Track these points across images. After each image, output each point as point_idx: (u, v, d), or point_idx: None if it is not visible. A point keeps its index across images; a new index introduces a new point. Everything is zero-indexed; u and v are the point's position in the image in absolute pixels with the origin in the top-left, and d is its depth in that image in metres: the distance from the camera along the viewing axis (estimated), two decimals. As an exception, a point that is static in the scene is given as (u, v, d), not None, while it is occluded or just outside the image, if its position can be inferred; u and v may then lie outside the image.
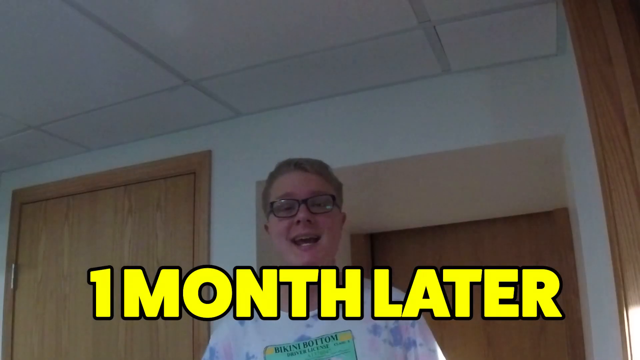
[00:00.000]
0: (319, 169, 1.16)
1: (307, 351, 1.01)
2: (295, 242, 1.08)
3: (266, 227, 1.19)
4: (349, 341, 1.01)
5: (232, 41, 1.64)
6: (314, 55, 1.73)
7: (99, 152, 2.43)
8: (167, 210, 2.23)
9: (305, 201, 1.08)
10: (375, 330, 1.04)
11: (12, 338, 2.38)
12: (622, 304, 1.05)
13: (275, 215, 1.11)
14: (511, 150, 1.86)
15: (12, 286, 2.45)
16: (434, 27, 1.59)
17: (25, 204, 2.55)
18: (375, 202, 2.41)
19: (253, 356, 1.05)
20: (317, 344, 1.02)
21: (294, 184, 1.11)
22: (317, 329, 1.04)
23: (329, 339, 1.02)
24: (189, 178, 2.22)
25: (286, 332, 1.04)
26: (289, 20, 1.54)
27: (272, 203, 1.12)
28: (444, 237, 2.79)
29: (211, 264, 2.08)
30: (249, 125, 2.16)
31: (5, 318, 2.42)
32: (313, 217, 1.08)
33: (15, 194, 2.59)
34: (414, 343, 1.04)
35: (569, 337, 2.38)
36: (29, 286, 2.43)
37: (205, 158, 2.20)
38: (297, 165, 1.14)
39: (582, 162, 1.57)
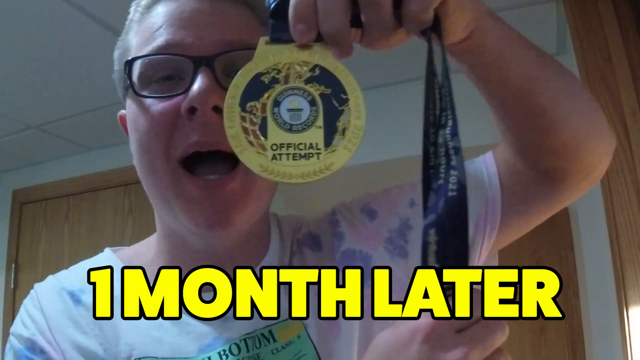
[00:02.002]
0: None
1: None
2: (187, 166, 0.48)
3: (122, 122, 0.59)
4: (299, 337, 0.49)
5: (232, 41, 1.64)
6: (314, 55, 1.73)
7: (99, 152, 2.43)
8: (167, 210, 2.23)
9: (209, 62, 0.46)
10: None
11: (12, 338, 2.39)
12: (622, 304, 1.05)
13: (136, 92, 0.49)
14: (511, 150, 1.86)
15: (12, 286, 2.45)
16: (434, 26, 1.59)
17: (25, 204, 2.55)
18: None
19: None
20: (242, 352, 0.49)
21: (185, 20, 0.49)
22: (237, 329, 0.50)
23: (260, 340, 0.49)
24: (189, 178, 2.22)
25: (185, 338, 0.50)
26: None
27: (130, 63, 0.51)
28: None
29: (211, 263, 2.07)
30: (249, 125, 2.16)
31: (5, 318, 2.42)
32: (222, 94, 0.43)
33: (15, 194, 2.59)
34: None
35: (569, 337, 2.38)
36: (29, 286, 2.40)
37: (205, 158, 2.20)
38: None
39: (582, 162, 1.57)
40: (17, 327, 0.55)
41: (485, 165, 0.58)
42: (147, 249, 0.58)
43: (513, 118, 0.52)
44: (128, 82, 0.50)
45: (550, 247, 2.59)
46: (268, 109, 0.36)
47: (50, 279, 0.57)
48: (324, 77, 0.37)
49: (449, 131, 0.38)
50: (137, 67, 0.49)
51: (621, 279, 1.05)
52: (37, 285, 0.57)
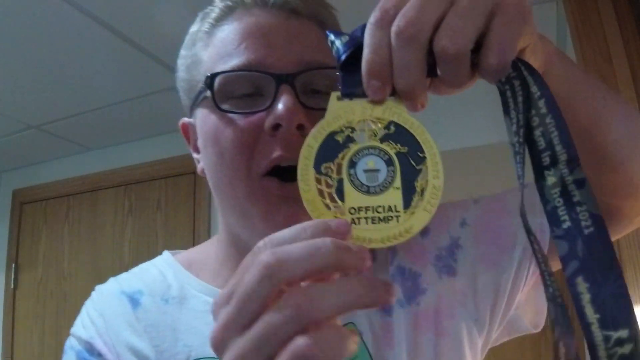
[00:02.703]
0: (319, 10, 0.54)
1: None
2: (270, 174, 0.47)
3: (185, 130, 0.61)
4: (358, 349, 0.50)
5: (232, 41, 1.64)
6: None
7: (99, 152, 2.43)
8: (167, 211, 2.23)
9: (291, 79, 0.47)
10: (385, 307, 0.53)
11: (12, 338, 2.38)
12: (623, 304, 1.05)
13: (218, 107, 0.49)
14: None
15: (12, 286, 2.45)
16: (434, 26, 1.59)
17: (25, 204, 2.55)
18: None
19: None
20: None
21: (264, 38, 0.49)
22: None
23: None
24: (189, 178, 2.22)
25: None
26: (289, 20, 1.55)
27: (212, 78, 0.49)
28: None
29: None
30: (249, 125, 2.16)
31: (5, 318, 2.42)
32: (308, 118, 0.46)
33: (15, 193, 2.59)
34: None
35: (569, 336, 2.38)
36: (29, 286, 2.43)
37: (205, 158, 2.20)
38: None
39: (582, 162, 1.57)
40: (77, 328, 0.55)
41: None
42: (204, 256, 0.59)
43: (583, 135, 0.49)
44: (205, 94, 0.50)
45: (550, 247, 2.60)
46: (344, 170, 0.33)
47: (111, 281, 0.58)
48: (399, 134, 0.35)
49: (565, 166, 0.34)
50: (216, 82, 0.48)
51: (621, 279, 1.05)
52: (98, 287, 0.58)
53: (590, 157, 0.48)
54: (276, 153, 0.46)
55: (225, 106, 0.48)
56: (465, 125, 1.83)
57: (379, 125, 0.35)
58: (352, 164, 0.34)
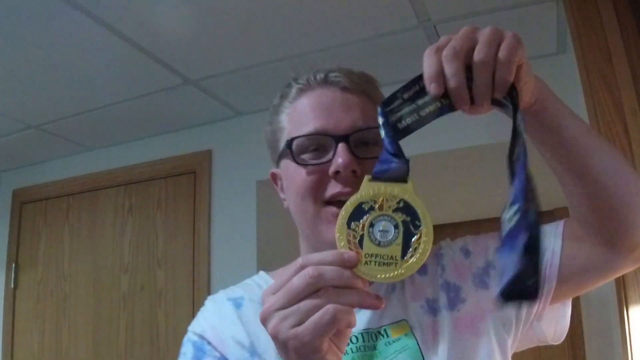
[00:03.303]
0: (366, 86, 0.74)
1: (348, 353, 0.66)
2: (331, 203, 0.68)
3: (274, 177, 0.79)
4: (406, 335, 0.67)
5: (232, 41, 1.64)
6: (314, 54, 1.73)
7: (99, 152, 2.43)
8: (167, 210, 2.23)
9: (346, 139, 0.67)
10: (430, 307, 0.70)
11: (12, 338, 2.38)
12: (623, 304, 1.05)
13: (295, 160, 0.69)
14: (511, 150, 1.86)
15: (12, 286, 2.45)
16: (434, 26, 1.59)
17: (25, 204, 2.55)
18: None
19: (259, 356, 0.69)
20: (359, 341, 0.67)
21: (326, 110, 0.69)
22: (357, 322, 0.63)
23: (376, 335, 0.68)
24: (189, 178, 2.22)
25: None
26: (289, 20, 1.54)
27: (291, 141, 0.70)
28: (444, 237, 2.78)
29: (211, 263, 2.08)
30: (249, 125, 2.16)
31: (5, 318, 2.42)
32: (359, 164, 0.66)
33: (15, 193, 2.59)
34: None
35: (569, 337, 2.38)
36: (29, 286, 2.43)
37: (205, 158, 2.20)
38: (327, 79, 0.72)
39: (582, 162, 1.57)
40: (193, 326, 0.75)
41: (555, 227, 0.72)
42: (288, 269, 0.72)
43: (570, 177, 0.65)
44: (288, 151, 0.70)
45: (550, 247, 2.60)
46: (365, 228, 0.50)
47: (220, 292, 0.78)
48: (406, 208, 0.51)
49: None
50: (294, 143, 0.70)
51: (621, 279, 1.05)
52: (210, 297, 0.79)
53: (582, 176, 0.63)
54: (337, 189, 0.67)
55: (300, 158, 0.69)
56: (465, 124, 1.83)
57: (393, 201, 0.51)
58: (372, 225, 0.50)
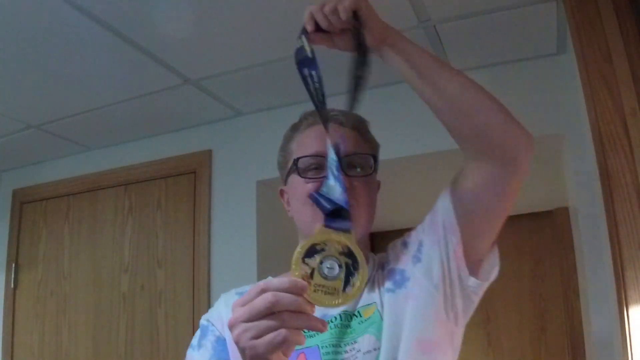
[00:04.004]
0: (357, 123, 0.96)
1: (329, 327, 0.84)
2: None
3: (282, 193, 0.99)
4: (374, 313, 0.86)
5: (232, 41, 1.64)
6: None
7: (99, 151, 2.43)
8: (167, 210, 2.23)
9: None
10: (389, 289, 0.88)
11: (12, 338, 2.38)
12: (623, 304, 1.04)
13: (300, 175, 0.90)
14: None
15: (12, 286, 2.45)
16: (434, 26, 1.59)
17: (25, 204, 2.55)
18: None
19: None
20: (338, 320, 0.86)
21: (325, 138, 0.82)
22: (339, 309, 0.88)
23: (352, 316, 0.86)
24: (189, 178, 2.22)
25: None
26: (289, 20, 1.54)
27: (297, 160, 0.91)
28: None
29: (211, 263, 2.08)
30: (249, 125, 2.16)
31: (5, 318, 2.42)
32: (349, 181, 0.84)
33: (15, 193, 2.59)
34: (420, 243, 0.90)
35: (569, 337, 2.38)
36: (29, 286, 2.43)
37: (205, 158, 2.20)
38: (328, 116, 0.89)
39: (582, 161, 1.57)
40: (207, 314, 0.96)
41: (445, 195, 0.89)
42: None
43: (440, 107, 0.83)
44: (294, 167, 0.91)
45: (550, 247, 2.60)
46: (316, 265, 0.65)
47: (232, 290, 0.98)
48: (349, 253, 0.66)
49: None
50: (299, 162, 0.91)
51: (621, 279, 1.05)
52: (222, 295, 0.99)
53: (448, 104, 0.82)
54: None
55: (304, 174, 0.90)
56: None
57: (339, 246, 0.66)
58: (321, 262, 0.65)
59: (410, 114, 1.92)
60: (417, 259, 0.89)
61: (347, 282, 0.64)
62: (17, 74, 1.77)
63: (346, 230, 0.67)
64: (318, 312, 0.72)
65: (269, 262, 2.00)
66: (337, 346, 0.83)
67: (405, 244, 0.93)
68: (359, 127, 0.96)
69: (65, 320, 2.30)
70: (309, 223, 0.88)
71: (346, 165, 0.86)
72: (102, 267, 2.30)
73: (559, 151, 1.87)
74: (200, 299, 2.04)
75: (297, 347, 0.69)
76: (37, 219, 2.50)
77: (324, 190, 0.72)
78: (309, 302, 0.61)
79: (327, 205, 0.69)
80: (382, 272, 0.92)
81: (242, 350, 0.62)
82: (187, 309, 2.06)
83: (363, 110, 2.14)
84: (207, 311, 1.00)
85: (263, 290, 0.61)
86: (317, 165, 0.89)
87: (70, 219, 2.43)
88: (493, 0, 1.47)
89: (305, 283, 0.62)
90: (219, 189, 2.16)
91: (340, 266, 0.65)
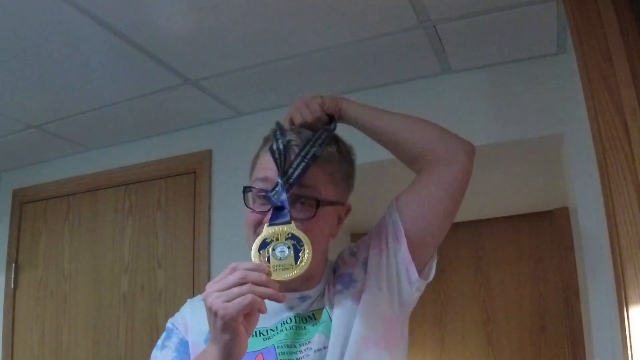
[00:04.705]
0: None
1: (283, 330, 0.92)
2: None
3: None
4: (323, 314, 0.93)
5: (232, 41, 1.64)
6: (314, 54, 1.73)
7: (99, 152, 2.43)
8: (167, 210, 2.23)
9: (283, 183, 0.89)
10: (338, 289, 0.96)
11: (12, 338, 2.39)
12: (623, 304, 1.04)
13: (246, 205, 0.96)
14: (511, 149, 1.86)
15: (12, 286, 2.45)
16: (434, 26, 1.59)
17: (25, 204, 2.55)
18: (375, 202, 2.41)
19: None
20: (293, 321, 0.93)
21: (273, 168, 0.91)
22: (297, 309, 0.96)
23: (307, 319, 0.94)
24: (189, 178, 2.22)
25: (266, 316, 0.84)
26: (289, 20, 1.54)
27: (249, 186, 0.97)
28: (445, 237, 2.79)
29: (211, 263, 2.08)
30: (250, 125, 2.16)
31: (5, 318, 2.42)
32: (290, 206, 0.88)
33: (16, 193, 2.59)
34: (367, 248, 1.00)
35: (569, 337, 2.38)
36: (29, 286, 2.43)
37: (205, 157, 2.20)
38: (289, 144, 0.93)
39: (582, 161, 1.57)
40: (172, 318, 1.03)
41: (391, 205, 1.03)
42: None
43: (389, 139, 1.04)
44: (243, 195, 1.00)
45: (550, 247, 2.60)
46: (270, 252, 0.84)
47: (198, 295, 1.00)
48: (293, 237, 0.84)
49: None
50: (249, 187, 0.99)
51: (621, 279, 1.05)
52: (188, 300, 1.06)
53: (390, 142, 1.04)
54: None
55: (248, 202, 0.98)
56: (465, 124, 1.83)
57: (285, 234, 0.84)
58: (274, 249, 0.84)
59: (410, 113, 1.92)
60: (364, 265, 0.98)
61: (296, 258, 0.82)
62: (17, 74, 1.77)
63: (287, 222, 0.85)
64: (274, 317, 0.94)
65: (269, 262, 1.99)
66: (291, 346, 0.91)
67: (353, 254, 1.03)
68: (321, 168, 0.94)
69: (65, 320, 2.30)
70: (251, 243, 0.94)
71: (293, 200, 0.90)
72: (102, 267, 2.30)
73: (558, 151, 1.87)
74: (200, 299, 2.04)
75: (255, 348, 0.89)
76: (37, 219, 2.50)
77: (273, 194, 0.88)
78: (271, 279, 0.78)
79: (276, 202, 0.86)
80: (334, 276, 1.01)
81: (214, 314, 0.74)
82: (187, 309, 2.06)
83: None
84: None
85: (234, 269, 0.77)
86: (263, 195, 0.92)
87: (70, 219, 2.43)
88: (493, 0, 1.47)
89: (265, 265, 0.81)
90: (219, 189, 2.16)
91: (289, 248, 0.83)
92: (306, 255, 0.82)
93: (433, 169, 0.97)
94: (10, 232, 2.54)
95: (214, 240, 2.11)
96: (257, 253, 0.83)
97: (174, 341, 0.98)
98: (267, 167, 0.94)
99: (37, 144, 2.35)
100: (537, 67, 1.79)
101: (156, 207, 2.25)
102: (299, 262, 0.82)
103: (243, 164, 2.13)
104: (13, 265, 2.47)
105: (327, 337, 0.89)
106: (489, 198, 2.42)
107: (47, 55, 1.66)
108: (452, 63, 1.83)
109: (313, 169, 0.90)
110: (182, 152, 2.25)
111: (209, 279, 2.06)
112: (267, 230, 0.85)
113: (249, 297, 0.73)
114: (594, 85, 1.17)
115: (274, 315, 0.94)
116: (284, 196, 0.87)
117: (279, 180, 0.88)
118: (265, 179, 0.93)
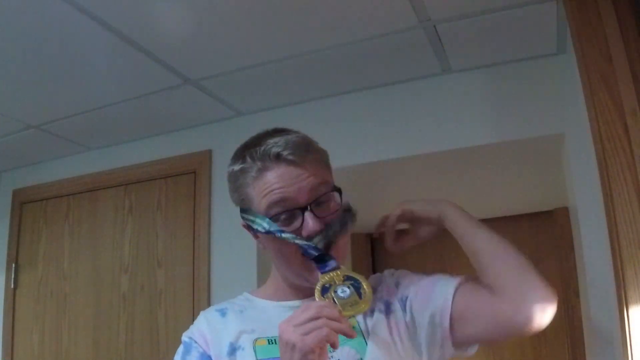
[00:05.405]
0: (306, 154, 0.93)
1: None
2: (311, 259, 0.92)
3: (245, 227, 1.01)
4: (354, 327, 0.91)
5: (232, 41, 1.64)
6: (314, 54, 1.73)
7: (99, 152, 2.43)
8: (167, 210, 2.23)
9: (308, 207, 0.90)
10: (381, 309, 0.98)
11: (12, 338, 2.38)
12: (623, 304, 1.04)
13: (275, 235, 0.91)
14: (511, 150, 1.86)
15: (12, 286, 2.45)
16: (434, 26, 1.59)
17: (25, 204, 2.55)
18: (375, 202, 2.41)
19: (240, 347, 0.93)
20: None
21: (286, 184, 0.90)
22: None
23: None
24: (189, 178, 2.22)
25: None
26: (289, 20, 1.54)
27: (272, 217, 0.91)
28: (445, 237, 2.77)
29: (211, 263, 2.08)
30: (250, 125, 2.14)
31: (5, 318, 2.42)
32: (323, 221, 0.91)
33: (15, 193, 2.59)
34: (406, 289, 0.99)
35: (569, 336, 2.38)
36: (29, 286, 2.43)
37: (205, 157, 2.20)
38: (279, 157, 0.91)
39: (582, 161, 1.57)
40: (186, 332, 1.01)
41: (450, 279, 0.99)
42: (265, 289, 1.08)
43: (476, 261, 0.98)
44: (271, 232, 0.93)
45: (550, 247, 2.59)
46: (331, 295, 0.87)
47: (211, 307, 1.05)
48: (349, 278, 0.89)
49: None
50: (275, 218, 0.92)
51: (621, 279, 1.05)
52: (202, 311, 1.05)
53: (482, 264, 0.97)
54: (315, 252, 0.91)
55: (278, 231, 0.92)
56: (465, 124, 1.83)
57: (342, 277, 0.89)
58: (335, 291, 0.87)
59: (410, 113, 1.93)
60: (404, 305, 0.98)
61: (359, 294, 0.87)
62: (17, 74, 1.77)
63: (336, 268, 0.89)
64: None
65: (269, 262, 1.99)
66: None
67: (397, 284, 1.03)
68: (308, 157, 0.93)
69: (65, 320, 2.30)
70: (296, 272, 0.96)
71: (316, 206, 0.91)
72: (102, 267, 2.29)
73: (558, 151, 1.87)
74: (200, 299, 2.04)
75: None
76: (37, 219, 2.50)
77: (315, 243, 0.90)
78: (342, 316, 0.81)
79: (314, 252, 0.89)
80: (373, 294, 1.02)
81: (291, 347, 0.77)
82: (187, 309, 2.06)
83: (362, 110, 2.13)
84: None
85: (307, 307, 0.80)
86: (288, 215, 0.91)
87: (70, 219, 2.43)
88: (493, 0, 1.47)
89: (338, 311, 0.83)
90: (219, 189, 2.16)
91: (348, 287, 0.88)
92: (366, 289, 0.88)
93: (499, 305, 0.89)
94: (10, 232, 2.53)
95: (214, 240, 2.11)
96: (322, 297, 0.87)
97: (194, 356, 0.96)
98: (280, 187, 0.90)
99: (37, 144, 2.34)
100: (537, 67, 1.79)
101: (156, 207, 2.25)
102: (362, 296, 0.87)
103: (243, 164, 2.15)
104: (13, 265, 2.47)
105: (358, 352, 0.90)
106: (489, 198, 2.42)
107: (47, 55, 1.66)
108: (452, 63, 1.83)
109: (311, 162, 0.94)
110: (182, 152, 2.25)
111: (208, 279, 2.06)
112: (323, 278, 0.89)
113: (325, 330, 0.76)
114: (594, 85, 1.17)
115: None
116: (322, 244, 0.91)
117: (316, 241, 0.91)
118: (283, 201, 0.90)
